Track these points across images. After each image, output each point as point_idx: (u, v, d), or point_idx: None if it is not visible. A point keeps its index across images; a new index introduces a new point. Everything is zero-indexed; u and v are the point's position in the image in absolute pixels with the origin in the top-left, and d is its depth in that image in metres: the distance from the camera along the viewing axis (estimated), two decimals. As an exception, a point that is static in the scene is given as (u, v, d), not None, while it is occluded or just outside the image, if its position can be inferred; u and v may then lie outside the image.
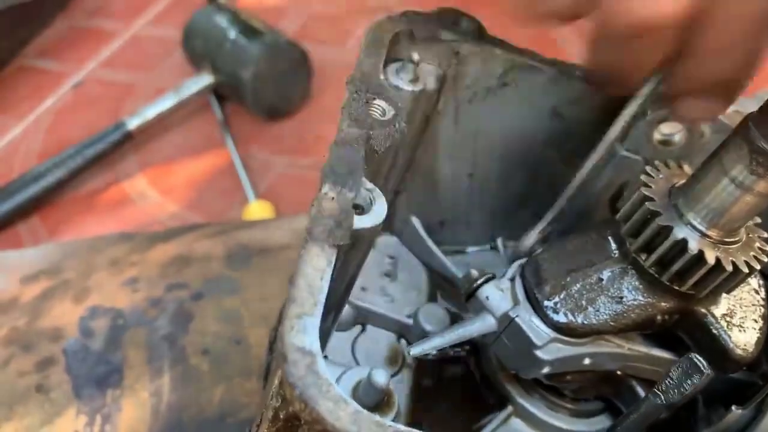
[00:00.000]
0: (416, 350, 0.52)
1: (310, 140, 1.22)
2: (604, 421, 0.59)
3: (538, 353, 0.50)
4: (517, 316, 0.51)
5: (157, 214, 1.12)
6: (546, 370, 0.52)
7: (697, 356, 0.45)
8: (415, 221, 0.69)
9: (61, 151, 1.14)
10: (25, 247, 1.02)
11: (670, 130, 0.63)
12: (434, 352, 0.55)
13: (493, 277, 0.53)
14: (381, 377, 0.35)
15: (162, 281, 0.92)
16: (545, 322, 0.50)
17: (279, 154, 1.20)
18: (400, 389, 0.60)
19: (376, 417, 0.32)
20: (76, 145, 1.15)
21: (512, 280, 0.53)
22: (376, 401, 0.36)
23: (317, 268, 0.36)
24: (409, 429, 0.32)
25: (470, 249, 0.74)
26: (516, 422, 0.59)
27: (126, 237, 1.00)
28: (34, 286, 0.92)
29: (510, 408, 0.59)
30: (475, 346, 0.61)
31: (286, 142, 1.23)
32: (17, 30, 1.36)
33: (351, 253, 0.42)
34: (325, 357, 0.50)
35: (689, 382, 0.45)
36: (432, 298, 0.68)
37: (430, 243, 0.68)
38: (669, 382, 0.45)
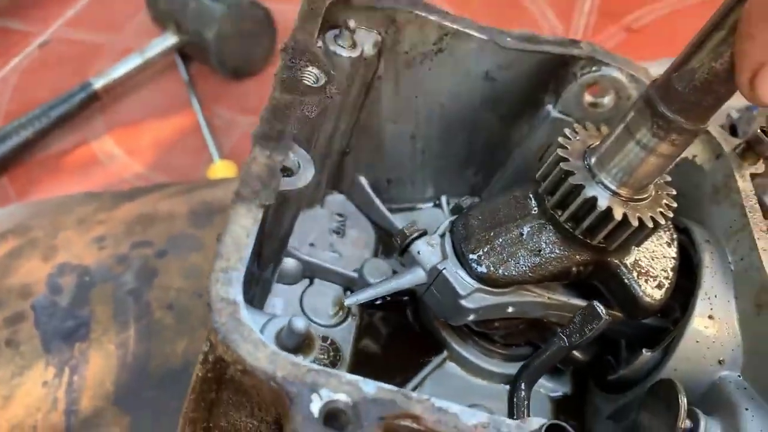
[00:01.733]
0: (350, 300, 0.56)
1: (274, 100, 1.24)
2: (533, 364, 0.64)
3: (463, 302, 0.54)
4: (444, 268, 0.55)
5: (123, 174, 1.15)
6: (471, 317, 0.56)
7: (598, 303, 0.50)
8: (363, 180, 0.72)
9: (27, 112, 1.15)
10: (-7, 208, 1.04)
11: (600, 93, 0.66)
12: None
13: (425, 233, 0.57)
14: (299, 323, 0.39)
15: (127, 239, 0.95)
16: (470, 274, 0.54)
17: (243, 114, 1.23)
18: (345, 337, 0.64)
19: (293, 357, 0.36)
20: (42, 106, 1.16)
21: (442, 236, 0.57)
22: (296, 344, 0.40)
23: (244, 227, 0.40)
24: (323, 368, 0.36)
25: (421, 206, 0.77)
26: (451, 366, 0.63)
27: (93, 196, 1.03)
28: (2, 245, 0.95)
29: (445, 353, 0.63)
30: (414, 297, 0.65)
31: (250, 101, 1.25)
32: (-20, -11, 1.36)
33: (281, 212, 0.45)
34: (251, 304, 0.54)
35: (589, 326, 0.49)
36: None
37: (376, 201, 0.72)
38: (572, 326, 0.50)
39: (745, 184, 0.59)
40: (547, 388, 0.65)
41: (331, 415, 0.35)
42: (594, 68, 0.64)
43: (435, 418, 0.36)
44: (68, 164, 1.15)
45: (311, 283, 0.67)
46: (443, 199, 0.74)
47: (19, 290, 0.90)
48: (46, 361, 0.84)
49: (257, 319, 0.39)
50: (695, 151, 0.64)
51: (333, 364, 0.62)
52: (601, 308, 0.50)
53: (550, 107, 0.66)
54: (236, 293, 0.37)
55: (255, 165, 0.43)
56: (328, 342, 0.63)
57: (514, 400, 0.49)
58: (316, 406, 0.35)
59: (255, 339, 0.36)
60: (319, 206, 0.72)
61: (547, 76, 0.65)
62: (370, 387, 0.36)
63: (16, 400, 0.81)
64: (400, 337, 0.68)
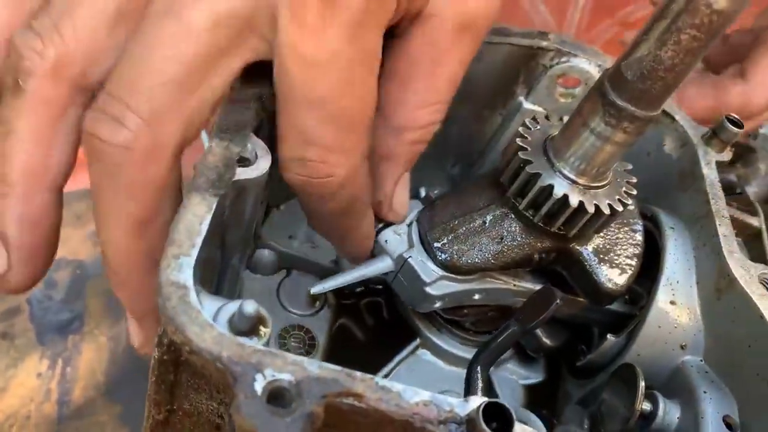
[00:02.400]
0: (317, 288, 0.57)
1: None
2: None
3: (428, 289, 0.56)
4: (410, 257, 0.56)
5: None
6: (438, 304, 0.57)
7: (551, 287, 0.51)
8: (341, 173, 0.73)
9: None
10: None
11: (571, 84, 0.67)
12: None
13: (392, 223, 0.58)
14: (249, 307, 0.40)
15: (121, 234, 0.98)
16: (435, 262, 0.55)
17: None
18: (321, 327, 0.66)
19: (239, 339, 0.38)
20: (41, 106, 1.19)
21: (410, 225, 0.58)
22: (248, 327, 0.41)
23: (197, 215, 0.41)
24: (268, 349, 0.38)
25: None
26: (423, 353, 0.65)
27: (89, 192, 1.05)
28: (0, 240, 0.97)
29: (418, 340, 0.64)
30: (387, 286, 0.66)
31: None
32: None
33: (240, 200, 0.47)
34: (220, 293, 0.55)
35: (542, 309, 0.50)
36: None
37: (354, 193, 0.73)
38: (526, 309, 0.51)
39: (709, 171, 0.60)
40: (520, 375, 0.66)
41: (275, 393, 0.36)
42: (563, 59, 0.65)
43: (377, 396, 0.38)
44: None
45: (288, 274, 0.69)
46: (422, 190, 0.75)
47: (16, 285, 0.93)
48: (40, 353, 0.87)
49: (212, 305, 0.41)
50: (664, 139, 0.65)
51: (308, 353, 0.64)
52: (554, 291, 0.51)
53: (521, 99, 0.67)
54: (186, 278, 0.39)
55: (211, 156, 0.44)
56: (304, 331, 0.65)
57: (470, 380, 0.51)
58: (259, 385, 0.36)
59: (202, 321, 0.37)
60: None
61: (517, 68, 0.66)
62: (313, 366, 0.37)
63: (11, 391, 0.84)
64: (376, 325, 0.70)
